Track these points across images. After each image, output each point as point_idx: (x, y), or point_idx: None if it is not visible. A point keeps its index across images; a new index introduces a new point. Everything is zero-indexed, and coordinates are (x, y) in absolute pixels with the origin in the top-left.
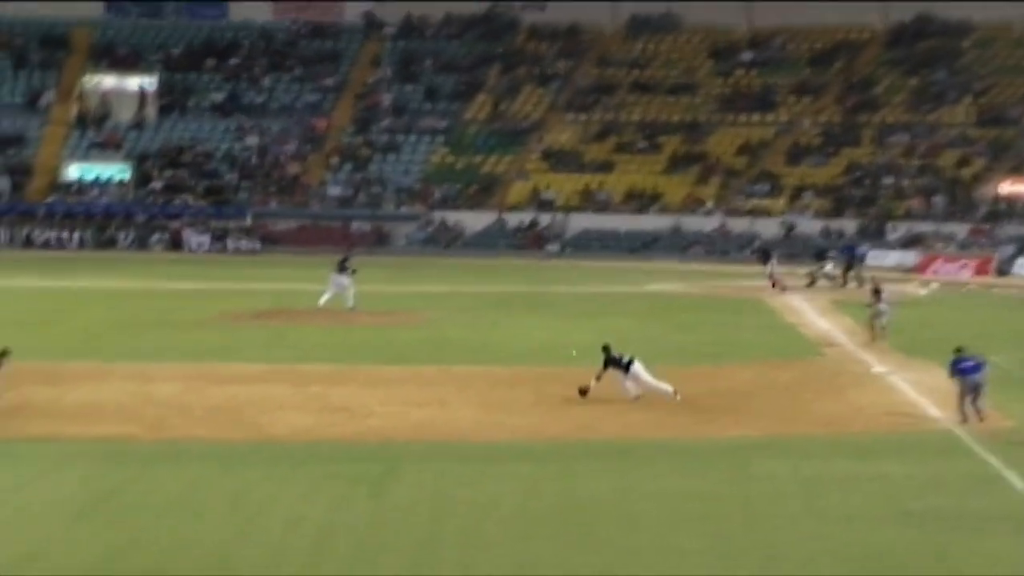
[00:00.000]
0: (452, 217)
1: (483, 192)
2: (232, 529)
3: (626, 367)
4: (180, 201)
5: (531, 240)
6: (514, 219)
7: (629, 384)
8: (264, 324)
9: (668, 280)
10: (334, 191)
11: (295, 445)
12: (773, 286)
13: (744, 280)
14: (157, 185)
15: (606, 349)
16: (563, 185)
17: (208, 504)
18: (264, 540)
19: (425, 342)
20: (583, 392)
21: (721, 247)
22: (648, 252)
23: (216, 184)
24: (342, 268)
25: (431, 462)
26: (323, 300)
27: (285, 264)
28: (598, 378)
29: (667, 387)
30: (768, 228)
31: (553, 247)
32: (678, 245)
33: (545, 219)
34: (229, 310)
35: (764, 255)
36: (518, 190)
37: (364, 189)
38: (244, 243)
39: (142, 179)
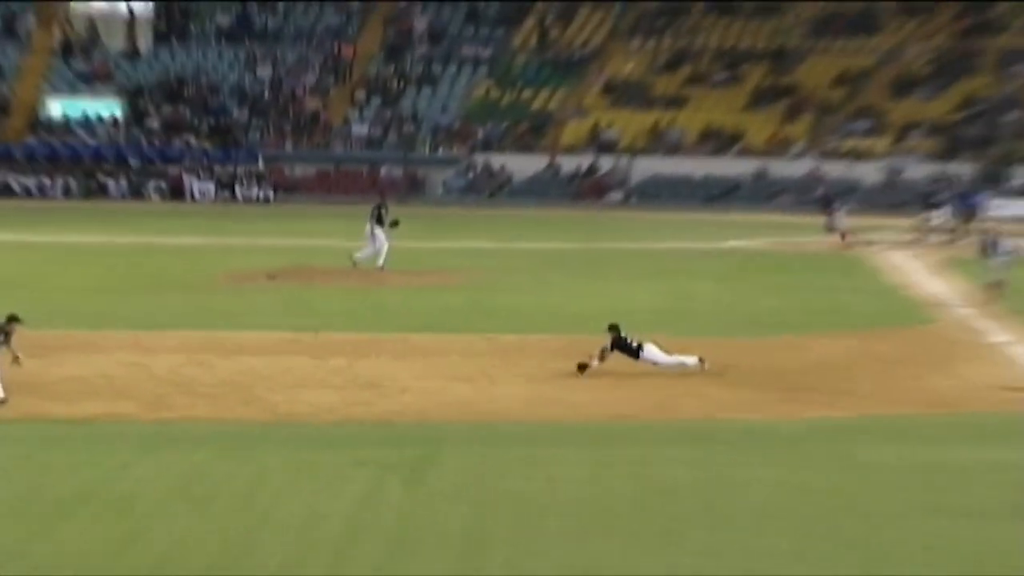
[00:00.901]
0: (497, 161)
1: (533, 132)
2: (243, 525)
3: (636, 353)
4: (181, 142)
5: (590, 188)
6: (570, 163)
7: (668, 362)
8: (279, 286)
9: (751, 235)
10: (360, 131)
11: (316, 427)
12: (843, 238)
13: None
14: (154, 124)
15: (614, 328)
16: (627, 123)
17: (215, 495)
18: (281, 537)
19: (467, 306)
20: (582, 368)
21: (814, 196)
22: (727, 202)
23: (222, 123)
24: (379, 219)
25: (476, 446)
26: (359, 255)
27: (303, 216)
28: (602, 359)
29: (691, 360)
30: (868, 173)
31: (615, 196)
32: (763, 193)
33: (606, 163)
34: (238, 269)
35: (826, 202)
36: (574, 130)
37: (395, 128)
38: (255, 191)
39: (136, 117)
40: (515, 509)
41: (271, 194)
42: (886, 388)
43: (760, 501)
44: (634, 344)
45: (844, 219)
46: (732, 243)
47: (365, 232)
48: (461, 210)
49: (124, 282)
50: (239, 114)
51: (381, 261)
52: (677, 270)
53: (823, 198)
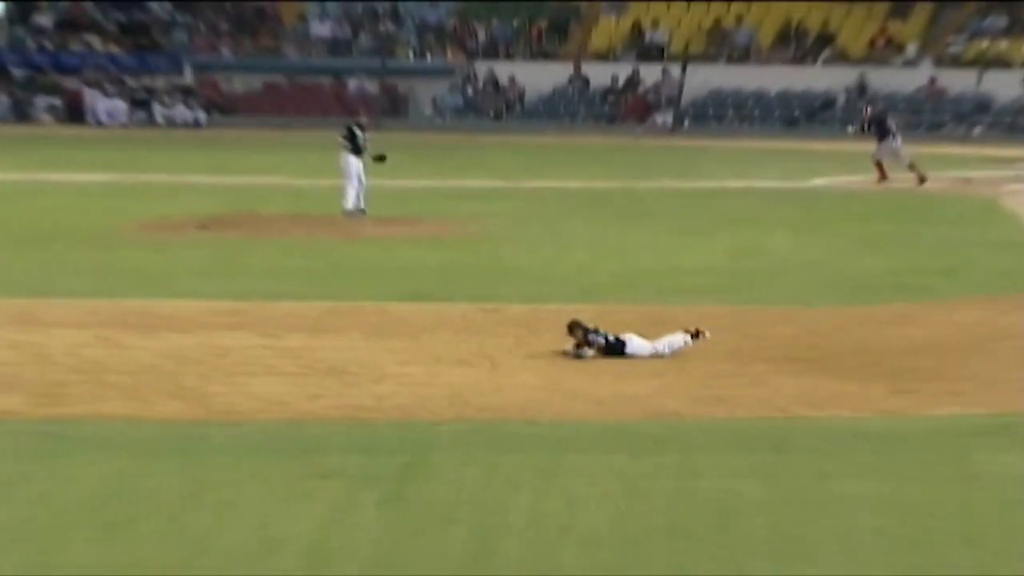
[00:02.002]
0: (505, 71)
1: (553, 32)
2: (174, 556)
3: (621, 350)
4: (80, 46)
5: (629, 108)
6: (601, 74)
7: (660, 348)
8: (213, 238)
9: (845, 169)
10: (320, 30)
11: (265, 427)
12: (881, 178)
13: (968, 168)
14: (44, 21)
15: (577, 327)
16: (679, 21)
17: (136, 518)
18: (225, 570)
19: (464, 266)
20: (579, 347)
21: (930, 116)
22: (814, 125)
23: (136, 20)
24: (356, 145)
25: (474, 452)
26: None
27: (245, 144)
28: (596, 348)
29: (681, 338)
30: (1003, 86)
31: (663, 119)
32: (862, 113)
33: (650, 75)
34: (159, 217)
35: (880, 127)
36: (607, 29)
37: (368, 28)
38: (181, 111)
39: (21, 12)
40: (525, 534)
41: (202, 115)
42: (1021, 375)
43: (849, 524)
44: (612, 340)
45: (894, 146)
46: (819, 181)
47: (340, 164)
48: (457, 137)
49: (6, 234)
50: (159, 8)
51: (350, 204)
52: (745, 218)
53: (876, 120)
